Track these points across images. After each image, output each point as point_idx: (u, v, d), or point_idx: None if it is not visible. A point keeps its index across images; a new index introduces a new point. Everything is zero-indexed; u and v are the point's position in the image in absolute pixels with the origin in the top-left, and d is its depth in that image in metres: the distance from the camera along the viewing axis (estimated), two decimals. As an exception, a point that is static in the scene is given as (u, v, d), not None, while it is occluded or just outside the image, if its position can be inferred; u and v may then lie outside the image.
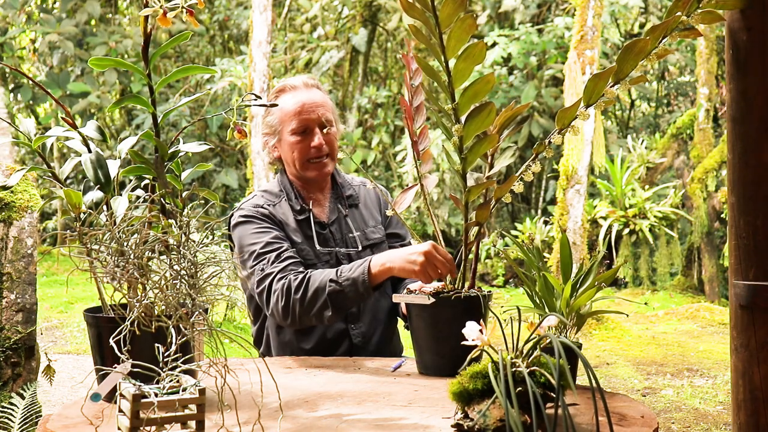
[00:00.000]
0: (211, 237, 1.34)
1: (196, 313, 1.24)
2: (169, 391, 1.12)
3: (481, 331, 1.22)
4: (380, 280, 1.86)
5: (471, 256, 1.69)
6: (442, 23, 1.52)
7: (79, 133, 1.48)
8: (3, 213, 2.75)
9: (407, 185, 2.07)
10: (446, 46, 1.54)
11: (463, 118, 1.58)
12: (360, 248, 2.16)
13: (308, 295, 1.88)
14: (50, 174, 1.50)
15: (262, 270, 1.98)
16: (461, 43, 1.54)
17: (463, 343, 1.22)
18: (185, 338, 1.20)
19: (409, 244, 2.23)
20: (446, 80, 1.56)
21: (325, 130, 2.13)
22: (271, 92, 2.21)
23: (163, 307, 1.24)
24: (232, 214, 2.13)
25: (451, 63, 1.56)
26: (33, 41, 12.13)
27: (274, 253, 1.99)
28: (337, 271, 1.90)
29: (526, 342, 1.19)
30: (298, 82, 2.17)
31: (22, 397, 2.63)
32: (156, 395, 1.10)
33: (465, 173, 1.64)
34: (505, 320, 1.24)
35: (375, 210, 2.27)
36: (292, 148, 2.13)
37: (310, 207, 2.17)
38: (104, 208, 1.46)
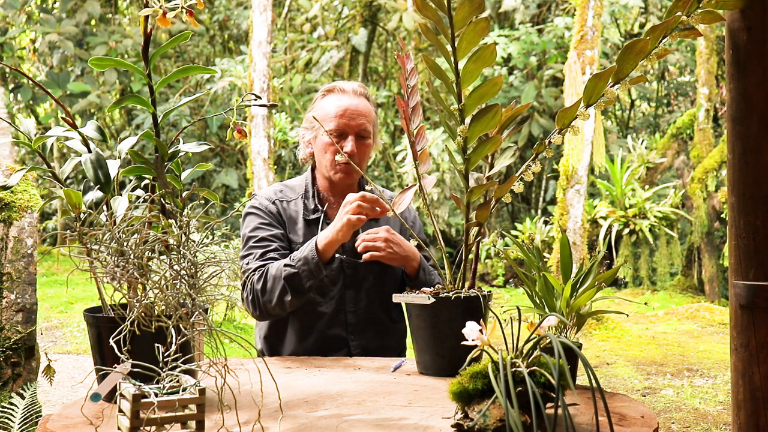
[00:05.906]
0: (211, 237, 1.34)
1: (196, 313, 1.24)
2: (169, 391, 1.12)
3: (481, 331, 1.22)
4: (328, 253, 1.96)
5: (471, 256, 1.69)
6: (456, 25, 1.52)
7: (79, 133, 1.48)
8: (3, 213, 2.75)
9: (407, 185, 2.06)
10: (457, 47, 1.53)
11: (468, 119, 1.57)
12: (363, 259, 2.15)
13: (268, 284, 1.99)
14: (50, 174, 1.50)
15: (247, 264, 2.08)
16: (472, 45, 1.53)
17: (463, 343, 1.22)
18: (185, 338, 1.20)
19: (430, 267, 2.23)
20: (454, 81, 1.56)
21: (360, 140, 2.14)
22: (321, 90, 2.24)
23: (163, 307, 1.24)
24: (252, 197, 2.26)
25: (461, 64, 1.55)
26: (33, 41, 12.14)
27: (261, 250, 2.09)
28: (290, 257, 2.00)
29: (526, 342, 1.19)
30: (348, 88, 2.18)
31: (22, 397, 2.63)
32: (156, 395, 1.10)
33: (468, 174, 1.64)
34: (505, 320, 1.24)
35: (395, 229, 2.24)
36: (325, 148, 2.16)
37: (325, 209, 2.19)
38: (104, 208, 1.46)
